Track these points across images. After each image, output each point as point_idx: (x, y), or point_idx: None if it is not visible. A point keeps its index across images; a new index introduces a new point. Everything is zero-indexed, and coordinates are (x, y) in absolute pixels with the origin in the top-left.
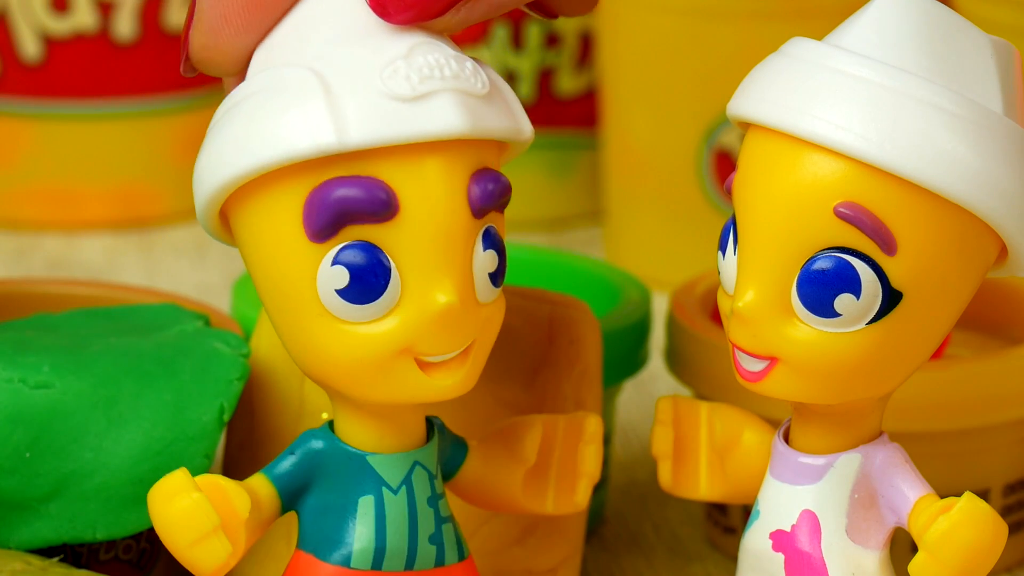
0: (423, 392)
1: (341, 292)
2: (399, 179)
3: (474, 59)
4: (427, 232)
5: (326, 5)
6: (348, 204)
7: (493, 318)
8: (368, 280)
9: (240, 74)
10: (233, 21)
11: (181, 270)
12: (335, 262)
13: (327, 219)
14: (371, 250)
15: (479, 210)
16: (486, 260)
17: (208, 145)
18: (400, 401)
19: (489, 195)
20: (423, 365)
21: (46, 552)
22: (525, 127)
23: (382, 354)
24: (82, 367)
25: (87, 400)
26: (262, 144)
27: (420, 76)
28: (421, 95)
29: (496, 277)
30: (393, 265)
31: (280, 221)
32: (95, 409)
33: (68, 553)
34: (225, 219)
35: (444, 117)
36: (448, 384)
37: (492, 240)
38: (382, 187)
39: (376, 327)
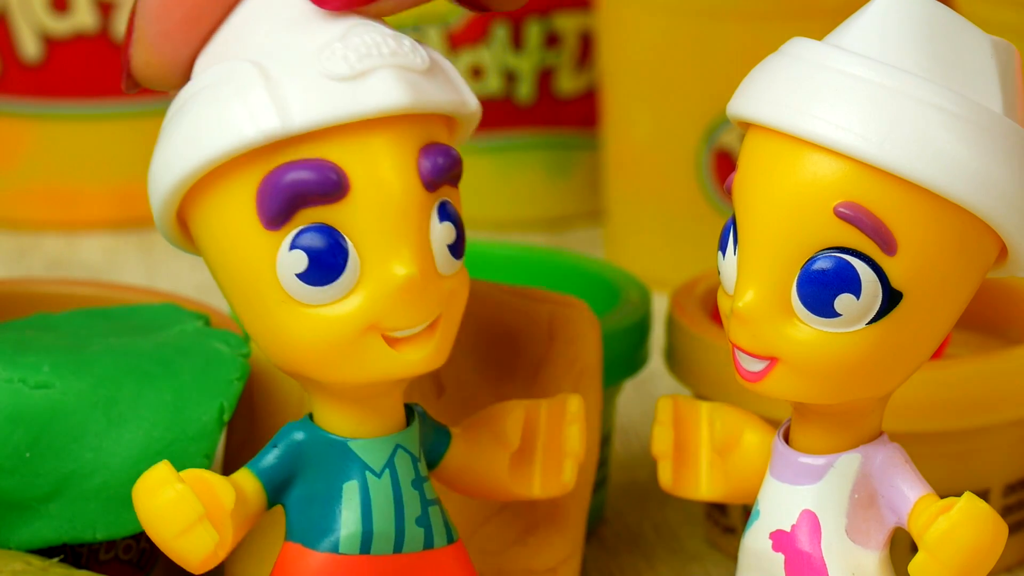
0: (393, 368)
1: (301, 276)
2: (347, 158)
3: (412, 39)
4: (380, 208)
5: (261, 3)
6: (299, 187)
7: (457, 292)
8: (327, 261)
9: (183, 83)
10: (173, 36)
11: (181, 270)
12: (292, 246)
13: (280, 205)
14: (327, 231)
15: (430, 183)
16: (443, 232)
17: (158, 149)
18: (372, 380)
19: (439, 168)
20: (391, 341)
21: (46, 552)
22: (470, 100)
23: (348, 333)
24: (82, 367)
25: (87, 400)
26: (208, 138)
27: (358, 55)
28: (360, 73)
29: (455, 249)
30: (350, 244)
31: (235, 213)
32: (95, 409)
33: (68, 553)
34: (183, 223)
35: (385, 92)
36: (418, 358)
37: (448, 213)
38: (331, 167)
39: (340, 307)
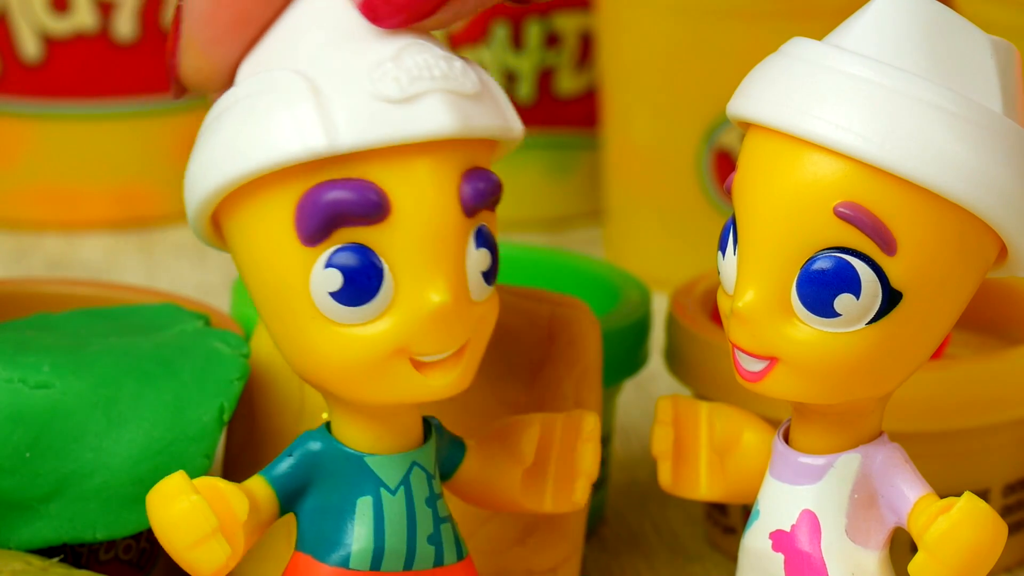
0: (418, 392)
1: (334, 295)
2: (390, 180)
3: (463, 58)
4: (419, 232)
5: (314, 11)
6: (340, 207)
7: (487, 317)
8: (361, 282)
9: (228, 87)
10: (223, 40)
11: (181, 270)
12: (328, 265)
13: (319, 222)
14: (364, 252)
15: (470, 209)
16: (479, 259)
17: (198, 151)
18: (395, 402)
19: (480, 194)
20: (418, 365)
21: (46, 552)
22: (515, 125)
23: (376, 355)
24: (82, 367)
25: (87, 400)
26: (252, 148)
27: (409, 77)
28: (410, 96)
29: (489, 276)
30: (386, 266)
31: (272, 225)
32: (95, 409)
33: (68, 553)
34: (216, 224)
35: (433, 117)
36: (443, 384)
37: (484, 239)
38: (373, 189)
39: (370, 328)
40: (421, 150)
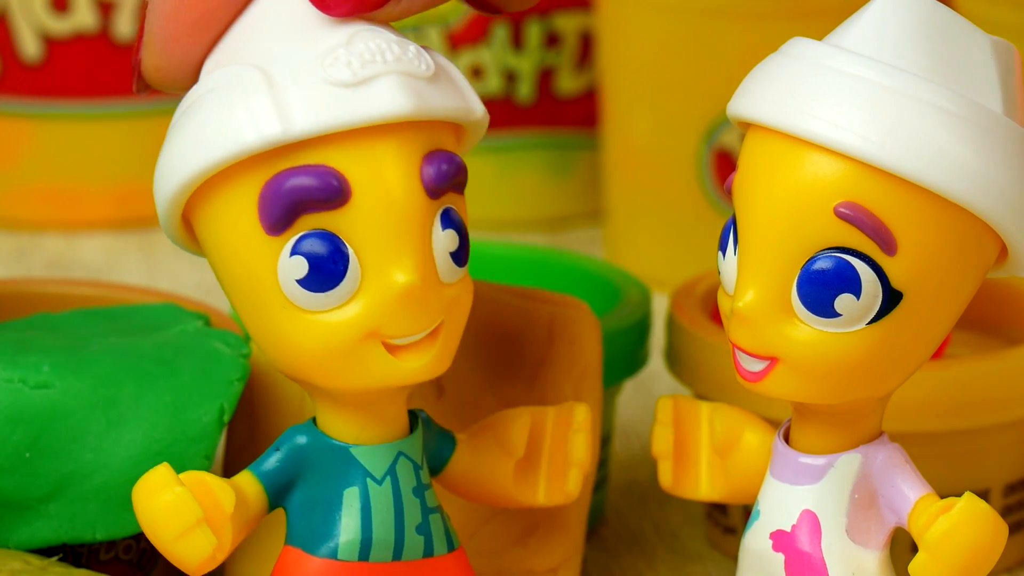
0: (393, 376)
1: (302, 282)
2: (350, 165)
3: (420, 45)
4: (381, 215)
5: (270, 6)
6: (301, 194)
7: (460, 299)
8: (327, 268)
9: (193, 85)
10: (184, 40)
11: (181, 270)
12: (293, 252)
13: (281, 210)
14: (328, 237)
15: (434, 190)
16: (446, 240)
17: (163, 151)
18: (372, 387)
19: (443, 175)
20: (391, 348)
21: (45, 552)
22: (476, 107)
23: (348, 340)
24: (82, 367)
25: (87, 400)
26: (212, 142)
27: (361, 61)
28: (363, 79)
29: (458, 257)
30: (351, 251)
31: (237, 218)
32: (95, 409)
33: (68, 553)
34: (188, 225)
35: (388, 99)
36: (418, 366)
37: (451, 220)
38: (333, 174)
39: (340, 314)
40: (379, 133)
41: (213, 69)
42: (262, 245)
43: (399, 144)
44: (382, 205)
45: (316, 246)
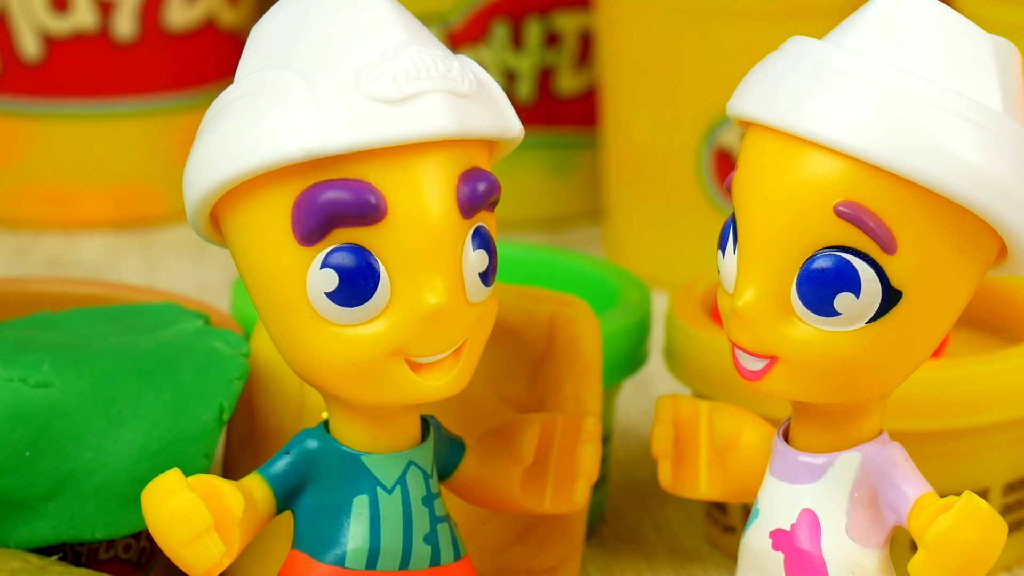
0: (415, 393)
1: (330, 295)
2: (387, 181)
3: (462, 57)
4: (415, 234)
5: (312, 10)
6: (336, 207)
7: (485, 317)
8: (357, 283)
9: None
10: None
11: (181, 270)
12: (324, 265)
13: (315, 222)
14: (360, 252)
15: (468, 210)
16: (476, 260)
17: (196, 149)
18: (392, 402)
19: (478, 195)
20: (414, 366)
21: (45, 551)
22: (514, 125)
23: (372, 356)
24: (82, 366)
25: (87, 399)
26: (249, 148)
27: (406, 77)
28: (407, 96)
29: (487, 277)
30: (382, 267)
31: (269, 225)
32: (95, 408)
33: (68, 552)
34: (216, 221)
35: (430, 118)
36: (440, 384)
37: (482, 239)
38: (370, 190)
39: (366, 329)
40: (418, 150)
41: (249, 72)
42: (293, 254)
43: (438, 163)
44: (418, 224)
45: (347, 260)
